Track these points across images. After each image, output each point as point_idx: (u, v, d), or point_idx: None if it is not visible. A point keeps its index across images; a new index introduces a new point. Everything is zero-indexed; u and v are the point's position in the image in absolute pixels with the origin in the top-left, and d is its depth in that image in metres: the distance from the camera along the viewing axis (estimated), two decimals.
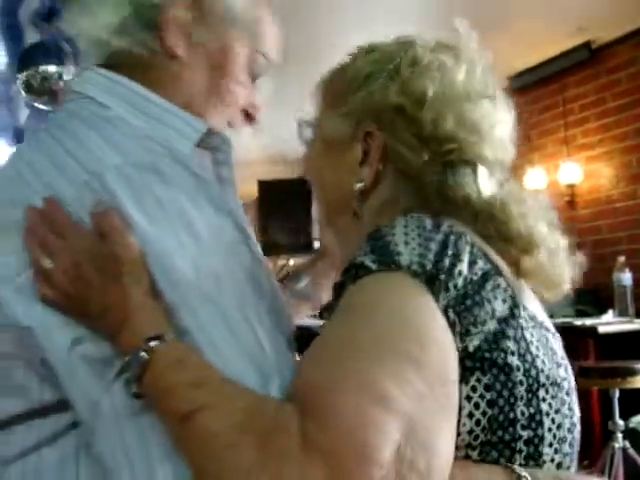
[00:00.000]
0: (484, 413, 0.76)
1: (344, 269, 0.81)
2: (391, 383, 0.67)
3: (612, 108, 4.85)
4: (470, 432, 0.76)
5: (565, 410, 0.85)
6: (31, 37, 4.10)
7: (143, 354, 0.73)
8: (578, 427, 0.89)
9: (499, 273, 0.82)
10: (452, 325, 0.75)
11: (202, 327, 0.77)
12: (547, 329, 0.86)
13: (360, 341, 0.71)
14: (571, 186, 5.09)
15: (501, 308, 0.79)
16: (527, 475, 0.76)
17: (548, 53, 5.13)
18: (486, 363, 0.76)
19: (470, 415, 0.76)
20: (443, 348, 0.73)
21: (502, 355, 0.77)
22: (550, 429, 0.82)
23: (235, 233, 0.85)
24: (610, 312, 4.36)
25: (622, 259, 4.37)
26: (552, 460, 0.82)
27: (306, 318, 4.75)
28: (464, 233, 0.81)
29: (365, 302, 0.76)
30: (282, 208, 7.78)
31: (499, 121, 0.99)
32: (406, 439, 0.66)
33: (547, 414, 0.81)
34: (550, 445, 0.82)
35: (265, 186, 7.95)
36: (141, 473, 0.73)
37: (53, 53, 3.74)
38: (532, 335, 0.82)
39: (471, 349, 0.76)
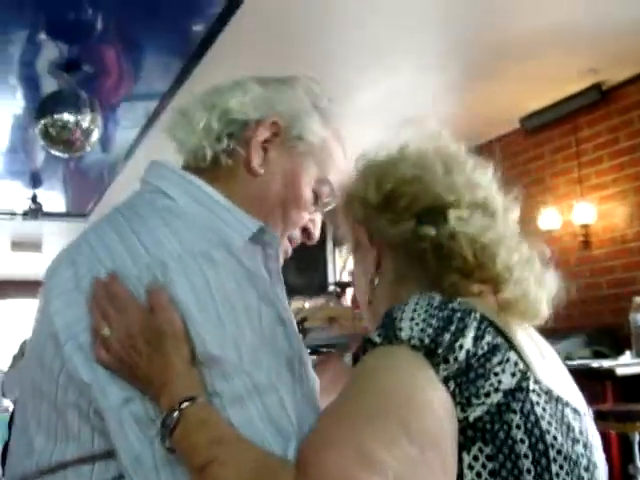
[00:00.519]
0: None
1: (360, 344, 0.89)
2: (380, 446, 0.73)
3: (625, 148, 4.86)
4: None
5: None
6: (49, 86, 4.17)
7: (176, 414, 0.84)
8: None
9: (511, 348, 0.85)
10: (453, 395, 0.79)
11: (235, 394, 0.87)
12: (566, 404, 0.87)
13: (357, 406, 0.78)
14: (585, 226, 5.08)
15: (508, 381, 0.82)
16: None
17: (560, 94, 5.16)
18: (488, 434, 0.79)
19: None
20: (437, 415, 0.77)
21: (505, 427, 0.80)
22: None
23: (275, 320, 0.94)
24: (627, 353, 4.32)
25: (638, 299, 4.34)
26: None
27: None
28: (474, 310, 0.86)
29: (367, 372, 0.84)
30: (296, 250, 7.77)
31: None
32: None
33: None
34: None
35: None
36: None
37: (70, 102, 3.81)
38: (544, 410, 0.83)
39: (472, 419, 0.79)
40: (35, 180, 6.66)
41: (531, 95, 5.19)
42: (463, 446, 0.79)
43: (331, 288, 7.14)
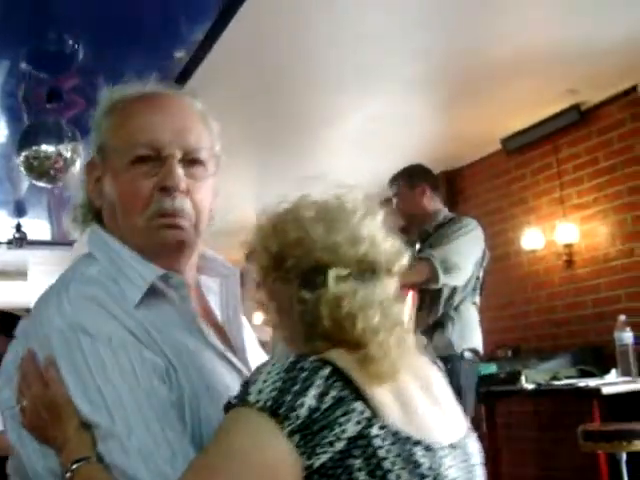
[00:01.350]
0: None
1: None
2: None
3: (605, 168, 4.91)
4: None
5: None
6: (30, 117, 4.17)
7: (68, 474, 1.01)
8: None
9: (358, 398, 0.93)
10: (298, 446, 0.90)
11: (110, 454, 1.00)
12: (416, 443, 0.95)
13: (207, 461, 0.94)
14: (568, 245, 5.11)
15: (352, 429, 0.91)
16: None
17: (540, 115, 5.20)
18: (332, 478, 0.90)
19: None
20: (271, 472, 0.90)
21: (347, 471, 0.90)
22: None
23: (160, 374, 1.05)
24: (613, 371, 4.33)
25: (622, 318, 4.36)
26: None
27: None
28: (323, 367, 0.94)
29: (221, 429, 0.96)
30: None
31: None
32: None
33: None
34: None
35: None
36: None
37: (52, 132, 3.80)
38: (388, 451, 0.92)
39: (317, 465, 0.90)
40: (19, 209, 6.63)
41: (512, 116, 5.23)
42: None
43: None
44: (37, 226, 7.33)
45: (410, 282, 3.22)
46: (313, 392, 0.91)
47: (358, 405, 0.92)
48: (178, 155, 1.17)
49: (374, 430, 0.92)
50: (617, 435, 3.35)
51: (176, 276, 1.16)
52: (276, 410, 0.91)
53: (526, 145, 5.47)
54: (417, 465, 0.93)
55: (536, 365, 4.57)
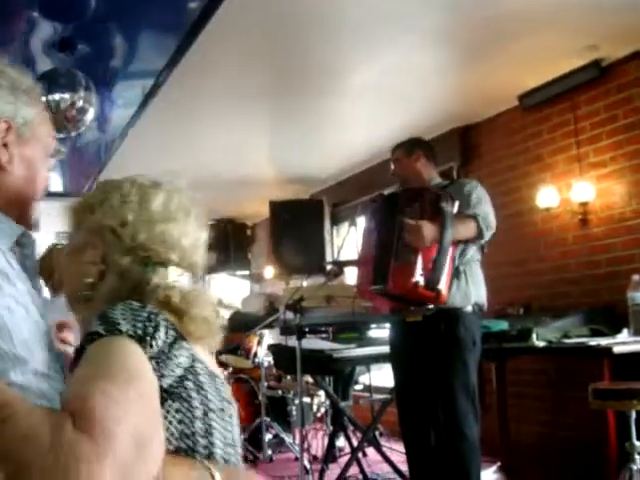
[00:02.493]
0: (175, 428, 1.20)
1: (83, 337, 1.19)
2: (116, 391, 1.02)
3: (623, 126, 4.83)
4: (168, 440, 1.17)
5: (228, 427, 1.30)
6: (43, 65, 4.14)
7: None
8: (237, 437, 1.34)
9: (183, 339, 1.25)
10: (155, 370, 1.15)
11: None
12: (216, 376, 1.32)
13: (95, 374, 1.06)
14: (584, 204, 5.06)
15: (186, 362, 1.24)
16: (210, 466, 1.21)
17: (558, 71, 5.12)
18: (174, 395, 1.21)
19: (167, 429, 1.18)
20: (149, 380, 1.12)
21: (184, 391, 1.22)
22: (219, 438, 1.27)
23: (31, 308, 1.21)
24: (625, 331, 4.32)
25: (637, 277, 4.34)
26: (222, 458, 1.26)
27: (320, 342, 4.70)
28: (160, 313, 1.25)
29: (99, 353, 1.13)
30: (293, 229, 7.79)
31: (187, 234, 1.42)
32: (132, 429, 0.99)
33: (216, 429, 1.27)
34: (220, 449, 1.26)
35: (276, 206, 7.96)
36: None
37: (65, 81, 3.77)
38: (205, 378, 1.27)
39: (165, 386, 1.19)
40: None
41: (530, 72, 5.15)
42: (162, 404, 1.15)
43: (329, 267, 7.15)
44: (49, 177, 7.33)
45: (462, 237, 3.55)
46: (163, 329, 1.21)
47: (185, 344, 1.25)
48: None
49: (197, 365, 1.26)
50: (627, 393, 3.36)
51: (29, 235, 1.41)
52: (143, 338, 1.17)
53: (544, 102, 5.40)
54: (219, 391, 1.31)
55: (547, 323, 4.56)
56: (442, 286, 3.37)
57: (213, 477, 1.21)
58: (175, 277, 1.38)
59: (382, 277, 3.55)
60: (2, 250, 1.22)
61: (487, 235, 3.61)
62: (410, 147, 4.03)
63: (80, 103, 3.81)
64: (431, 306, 3.50)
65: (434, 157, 4.09)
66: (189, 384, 1.23)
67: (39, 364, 1.16)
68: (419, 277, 3.36)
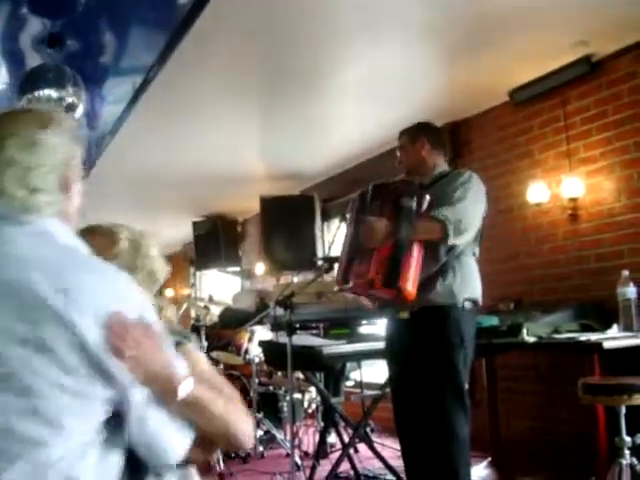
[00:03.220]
0: None
1: None
2: None
3: (613, 121, 4.85)
4: None
5: None
6: (33, 61, 4.11)
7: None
8: None
9: None
10: None
11: None
12: None
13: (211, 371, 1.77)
14: (573, 200, 5.08)
15: None
16: None
17: (548, 67, 5.14)
18: None
19: None
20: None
21: None
22: None
23: None
24: (615, 326, 4.34)
25: (626, 273, 4.35)
26: None
27: (311, 338, 4.68)
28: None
29: (192, 354, 1.73)
30: (284, 225, 7.78)
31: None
32: None
33: None
34: None
35: (267, 202, 7.95)
36: None
37: (53, 77, 3.75)
38: None
39: None
40: None
41: (520, 68, 5.16)
42: None
43: (319, 263, 7.14)
44: None
45: (423, 238, 3.39)
46: None
47: None
48: None
49: None
50: (618, 389, 3.36)
51: None
52: None
53: (534, 97, 5.41)
54: None
55: (538, 318, 4.57)
56: (407, 283, 3.28)
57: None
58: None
59: (345, 277, 3.54)
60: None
61: (455, 240, 3.42)
62: (415, 133, 3.87)
63: (69, 99, 3.78)
64: (417, 303, 3.44)
65: (441, 143, 3.95)
66: None
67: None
68: (375, 275, 3.31)
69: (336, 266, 3.85)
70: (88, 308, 1.29)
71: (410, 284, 3.28)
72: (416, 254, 3.34)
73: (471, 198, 3.55)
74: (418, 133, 3.87)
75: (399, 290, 3.27)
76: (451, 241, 3.42)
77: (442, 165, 3.86)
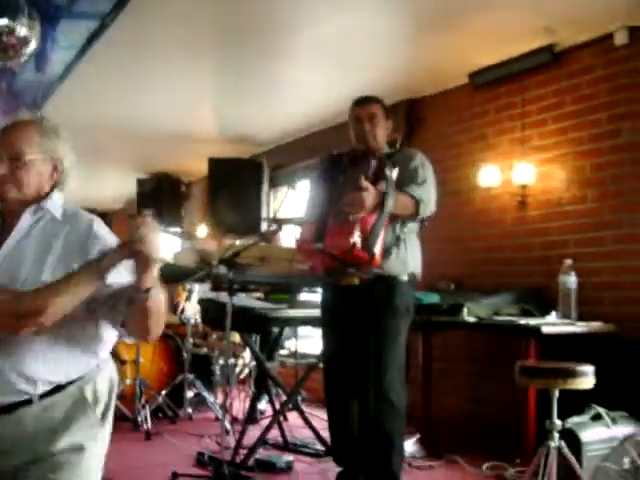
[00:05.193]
0: None
1: None
2: None
3: (570, 112, 4.88)
4: None
5: None
6: None
7: None
8: None
9: None
10: None
11: None
12: None
13: None
14: (524, 186, 5.11)
15: None
16: None
17: (511, 53, 5.13)
18: None
19: None
20: None
21: None
22: None
23: None
24: (553, 313, 4.40)
25: (569, 262, 4.41)
26: None
27: (251, 300, 4.62)
28: None
29: None
30: (231, 187, 7.67)
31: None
32: None
33: None
34: None
35: (215, 164, 7.82)
36: None
37: (8, 7, 3.60)
38: None
39: None
40: None
41: (482, 51, 5.15)
42: None
43: (265, 225, 7.07)
44: None
45: (397, 212, 3.46)
46: None
47: None
48: (4, 157, 1.93)
49: None
50: (554, 372, 3.39)
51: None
52: None
53: (493, 81, 5.41)
54: None
55: (478, 300, 4.60)
56: (377, 250, 3.35)
57: None
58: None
59: (319, 236, 3.50)
60: None
61: (422, 215, 3.55)
62: (387, 110, 3.82)
63: (22, 32, 3.63)
64: (371, 270, 3.45)
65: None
66: None
67: None
68: (357, 238, 3.32)
69: (286, 231, 3.82)
70: None
71: (379, 252, 3.37)
72: (385, 224, 3.42)
73: (431, 179, 3.66)
74: (388, 111, 3.83)
75: (372, 256, 3.32)
76: (420, 217, 3.55)
77: (386, 147, 3.87)
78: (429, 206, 3.55)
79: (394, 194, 3.38)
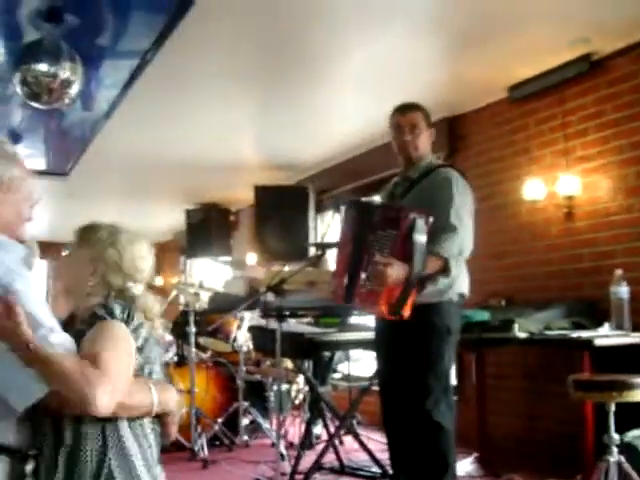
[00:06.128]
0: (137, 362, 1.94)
1: (90, 316, 1.94)
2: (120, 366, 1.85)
3: (611, 120, 4.83)
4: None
5: (158, 360, 2.10)
6: (30, 36, 4.06)
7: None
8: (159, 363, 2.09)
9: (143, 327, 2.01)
10: (133, 337, 1.93)
11: None
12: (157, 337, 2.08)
13: (102, 339, 1.86)
14: (569, 198, 5.06)
15: (145, 332, 1.99)
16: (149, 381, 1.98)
17: (548, 64, 5.12)
18: (139, 349, 1.96)
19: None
20: (130, 342, 1.92)
21: (146, 346, 1.99)
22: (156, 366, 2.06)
23: None
24: (606, 325, 4.33)
25: (619, 272, 4.34)
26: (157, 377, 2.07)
27: (301, 325, 4.66)
28: (132, 307, 2.00)
29: (108, 329, 1.89)
30: (277, 215, 7.74)
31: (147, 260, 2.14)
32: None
33: (155, 361, 2.06)
34: (156, 373, 2.07)
35: (261, 191, 7.91)
36: None
37: (50, 52, 3.72)
38: (154, 347, 2.04)
39: (137, 345, 1.95)
40: (14, 136, 6.54)
41: (519, 64, 5.15)
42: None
43: (311, 250, 7.11)
44: (32, 155, 7.27)
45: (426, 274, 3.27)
46: (136, 318, 1.98)
47: (145, 325, 2.00)
48: None
49: (150, 335, 2.02)
50: (609, 385, 3.35)
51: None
52: (126, 322, 1.93)
53: (532, 94, 5.39)
54: (158, 342, 2.09)
55: (529, 315, 4.56)
56: (408, 310, 3.20)
57: (149, 386, 1.95)
58: (140, 288, 2.08)
59: (349, 297, 3.39)
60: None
61: (455, 267, 3.38)
62: (429, 118, 3.63)
63: (64, 75, 3.74)
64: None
65: None
66: (147, 344, 1.99)
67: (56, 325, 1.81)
68: (383, 307, 3.21)
69: (331, 254, 3.78)
70: None
71: (408, 308, 3.21)
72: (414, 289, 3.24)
73: (467, 219, 3.45)
74: (430, 118, 3.67)
75: (401, 316, 3.20)
76: (453, 271, 3.36)
77: (431, 156, 3.73)
78: (460, 257, 3.39)
79: (422, 263, 3.18)
